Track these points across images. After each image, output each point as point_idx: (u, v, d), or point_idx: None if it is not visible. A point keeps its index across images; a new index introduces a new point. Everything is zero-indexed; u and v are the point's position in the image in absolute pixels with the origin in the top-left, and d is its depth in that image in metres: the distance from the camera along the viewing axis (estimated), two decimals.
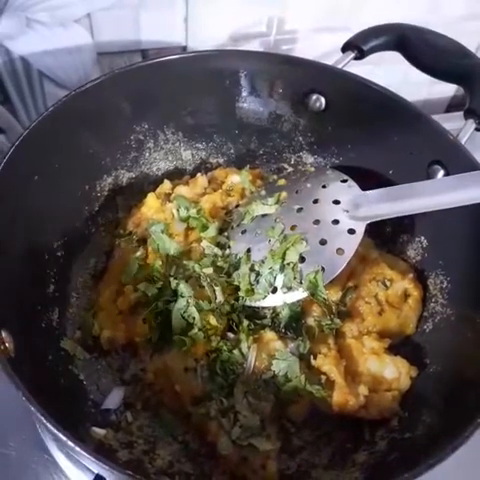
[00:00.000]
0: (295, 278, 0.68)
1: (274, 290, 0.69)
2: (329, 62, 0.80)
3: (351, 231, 0.68)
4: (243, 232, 0.74)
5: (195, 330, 0.66)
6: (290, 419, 0.66)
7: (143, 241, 0.75)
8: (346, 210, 0.70)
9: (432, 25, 0.80)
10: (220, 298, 0.69)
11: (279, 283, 0.69)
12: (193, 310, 0.67)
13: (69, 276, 0.75)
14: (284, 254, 0.69)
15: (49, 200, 0.70)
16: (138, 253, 0.73)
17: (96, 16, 0.88)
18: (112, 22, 0.90)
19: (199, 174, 0.84)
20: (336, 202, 0.71)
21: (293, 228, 0.71)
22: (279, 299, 0.69)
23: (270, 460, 0.61)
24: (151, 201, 0.77)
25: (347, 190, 0.72)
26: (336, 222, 0.69)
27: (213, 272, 0.71)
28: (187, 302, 0.67)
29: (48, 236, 0.72)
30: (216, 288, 0.69)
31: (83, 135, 0.73)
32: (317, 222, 0.70)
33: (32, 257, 0.68)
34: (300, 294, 0.68)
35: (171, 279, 0.69)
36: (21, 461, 0.68)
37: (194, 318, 0.67)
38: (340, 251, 0.68)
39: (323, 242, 0.69)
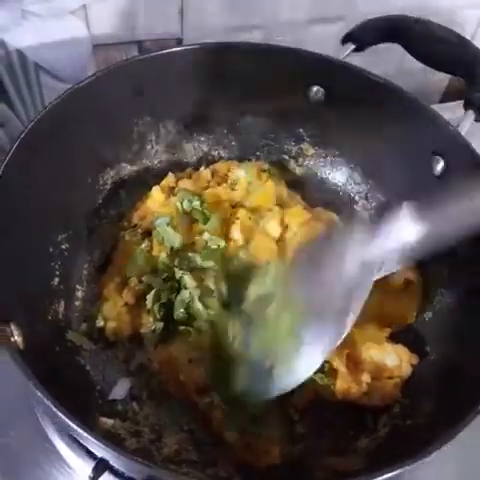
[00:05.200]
0: None
1: None
2: (325, 52, 0.79)
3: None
4: None
5: (200, 321, 0.67)
6: (294, 406, 0.67)
7: (147, 233, 0.75)
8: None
9: (427, 13, 0.80)
10: (222, 290, 0.70)
11: None
12: (196, 302, 0.68)
13: (74, 269, 0.75)
14: None
15: (52, 194, 0.70)
16: (143, 245, 0.73)
17: (92, 8, 0.88)
18: (108, 14, 0.90)
19: (202, 167, 0.84)
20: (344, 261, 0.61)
21: None
22: None
23: (273, 446, 0.62)
24: (156, 195, 0.77)
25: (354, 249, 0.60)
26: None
27: (214, 264, 0.71)
28: (190, 294, 0.68)
29: (52, 229, 0.72)
30: (218, 280, 0.70)
31: (84, 130, 0.73)
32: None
33: (37, 251, 0.69)
34: None
35: (176, 270, 0.70)
36: (22, 450, 0.68)
37: (198, 310, 0.68)
38: None
39: None
